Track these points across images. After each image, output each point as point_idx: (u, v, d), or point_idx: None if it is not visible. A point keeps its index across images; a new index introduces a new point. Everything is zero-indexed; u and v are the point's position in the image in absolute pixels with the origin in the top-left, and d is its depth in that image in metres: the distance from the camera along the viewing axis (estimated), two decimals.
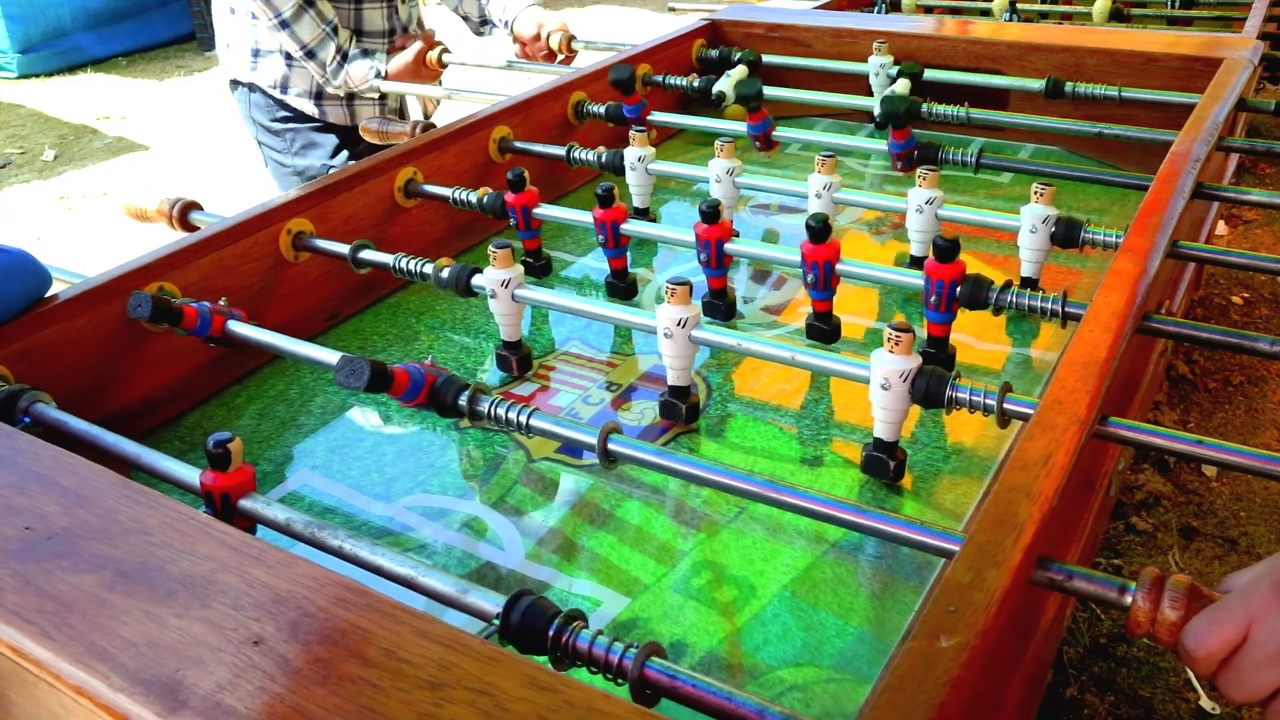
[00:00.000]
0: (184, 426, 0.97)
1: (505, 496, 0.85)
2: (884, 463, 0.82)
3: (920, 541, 0.63)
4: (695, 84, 1.62)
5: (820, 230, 0.95)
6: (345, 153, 1.84)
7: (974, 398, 0.76)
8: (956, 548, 0.59)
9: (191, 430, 0.96)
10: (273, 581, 0.54)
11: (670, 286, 0.85)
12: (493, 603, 0.59)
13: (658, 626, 0.71)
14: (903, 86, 1.50)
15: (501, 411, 0.79)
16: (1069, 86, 1.45)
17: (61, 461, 0.64)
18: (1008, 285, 0.92)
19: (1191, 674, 1.49)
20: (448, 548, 0.80)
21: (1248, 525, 1.77)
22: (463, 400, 0.80)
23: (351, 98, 1.80)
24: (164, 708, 0.46)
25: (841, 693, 0.65)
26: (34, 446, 0.66)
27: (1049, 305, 0.90)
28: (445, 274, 1.00)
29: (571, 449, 0.89)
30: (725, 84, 1.61)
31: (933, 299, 0.92)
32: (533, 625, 0.57)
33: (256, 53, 1.74)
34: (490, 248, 0.95)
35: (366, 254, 1.07)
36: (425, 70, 1.75)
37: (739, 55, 1.70)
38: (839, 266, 0.98)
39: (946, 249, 0.90)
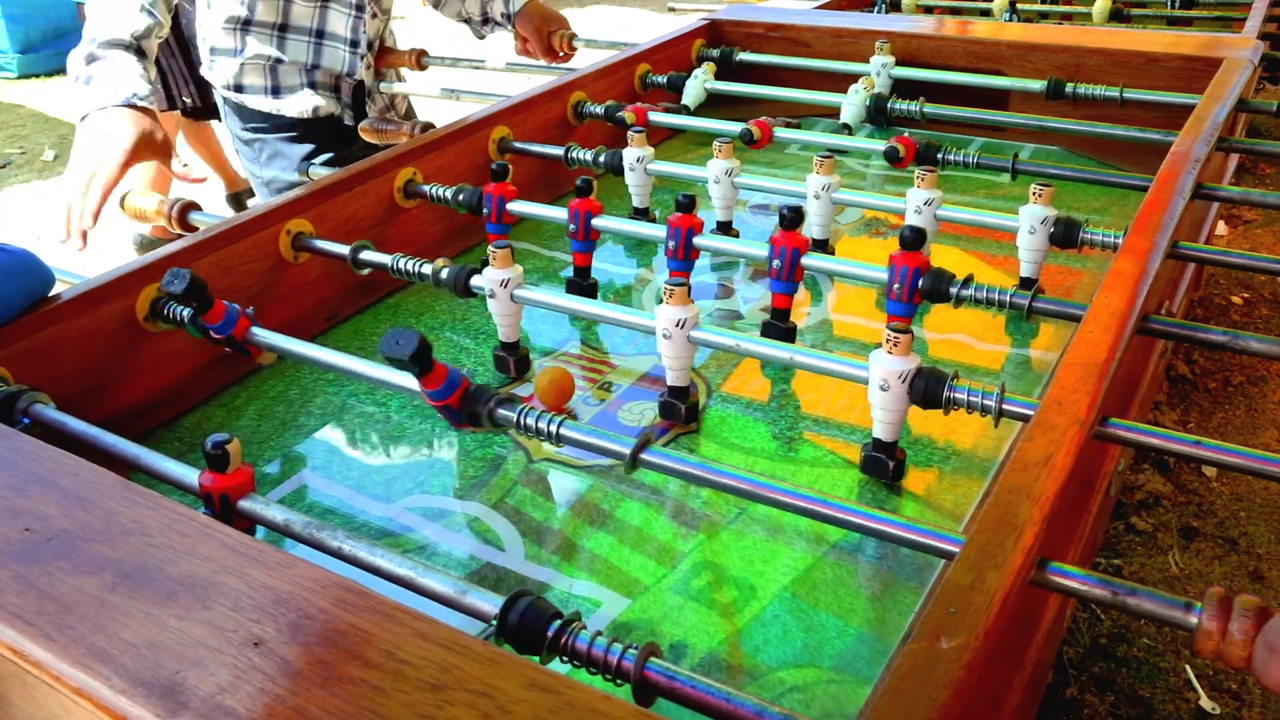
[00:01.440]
0: (183, 427, 0.97)
1: (505, 497, 0.85)
2: (883, 463, 0.82)
3: (920, 543, 0.63)
4: (664, 80, 1.64)
5: (793, 219, 0.96)
6: (319, 161, 1.71)
7: (971, 398, 0.76)
8: (957, 549, 0.59)
9: (191, 431, 0.96)
10: (273, 583, 0.54)
11: (668, 288, 0.85)
12: (491, 603, 0.59)
13: (658, 627, 0.71)
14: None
15: (531, 421, 0.76)
16: (1069, 87, 1.45)
17: (62, 463, 0.64)
18: (969, 279, 0.93)
19: (1191, 673, 1.49)
20: (448, 548, 0.80)
21: (1248, 525, 1.77)
22: (497, 410, 0.78)
23: (314, 85, 1.65)
24: (164, 709, 0.46)
25: (842, 694, 0.65)
26: (34, 448, 0.66)
27: (1006, 298, 0.92)
28: (444, 274, 0.99)
29: (571, 449, 0.89)
30: (690, 95, 1.61)
31: (895, 286, 0.93)
32: (531, 626, 0.57)
33: (213, 50, 1.65)
34: (490, 248, 0.95)
35: (366, 254, 1.07)
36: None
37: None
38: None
39: (912, 239, 0.91)
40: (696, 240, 1.05)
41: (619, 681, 0.55)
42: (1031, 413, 0.70)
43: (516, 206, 1.17)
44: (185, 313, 0.93)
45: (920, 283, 0.92)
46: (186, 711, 0.46)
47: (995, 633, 0.51)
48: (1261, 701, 1.44)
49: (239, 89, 1.65)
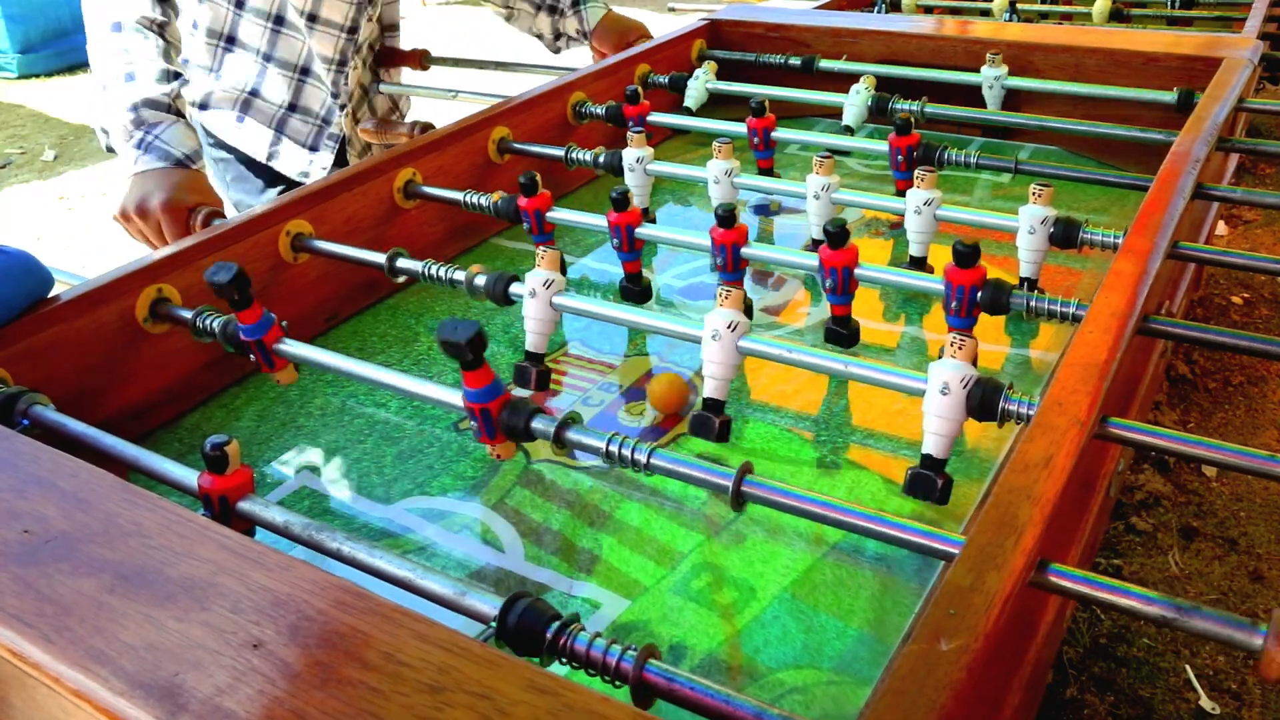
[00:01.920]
0: (183, 428, 0.97)
1: (505, 498, 0.85)
2: (931, 480, 0.78)
3: (920, 544, 0.63)
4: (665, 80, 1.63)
5: (838, 235, 0.94)
6: (273, 192, 1.62)
7: (1020, 409, 0.74)
8: (956, 550, 0.59)
9: (191, 432, 0.96)
10: (272, 584, 0.54)
11: (724, 290, 0.83)
12: (491, 605, 0.59)
13: (657, 629, 0.71)
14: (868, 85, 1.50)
15: (615, 448, 0.72)
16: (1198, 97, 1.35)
17: (61, 464, 0.64)
18: (1025, 289, 0.91)
19: (1191, 673, 1.49)
20: (447, 550, 0.80)
21: (1248, 525, 1.77)
22: (537, 424, 0.75)
23: (281, 129, 1.57)
24: (163, 711, 0.46)
25: (841, 695, 0.65)
26: (33, 449, 0.66)
27: (1072, 310, 0.89)
28: (478, 281, 0.98)
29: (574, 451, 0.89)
30: (692, 97, 1.60)
31: (953, 305, 0.91)
32: (530, 627, 0.57)
33: (185, 62, 1.54)
34: (540, 249, 0.93)
35: (403, 263, 1.05)
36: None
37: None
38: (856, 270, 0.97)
39: (967, 254, 0.89)
40: (745, 251, 1.02)
41: (618, 683, 0.55)
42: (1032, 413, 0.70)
43: (555, 215, 1.15)
44: (219, 323, 0.92)
45: (978, 298, 0.90)
46: (185, 713, 0.46)
47: (995, 634, 0.51)
48: (1261, 701, 1.44)
49: (204, 107, 1.57)
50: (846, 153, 1.55)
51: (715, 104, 1.64)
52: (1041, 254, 1.03)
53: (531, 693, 0.46)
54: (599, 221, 1.13)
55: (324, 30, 1.52)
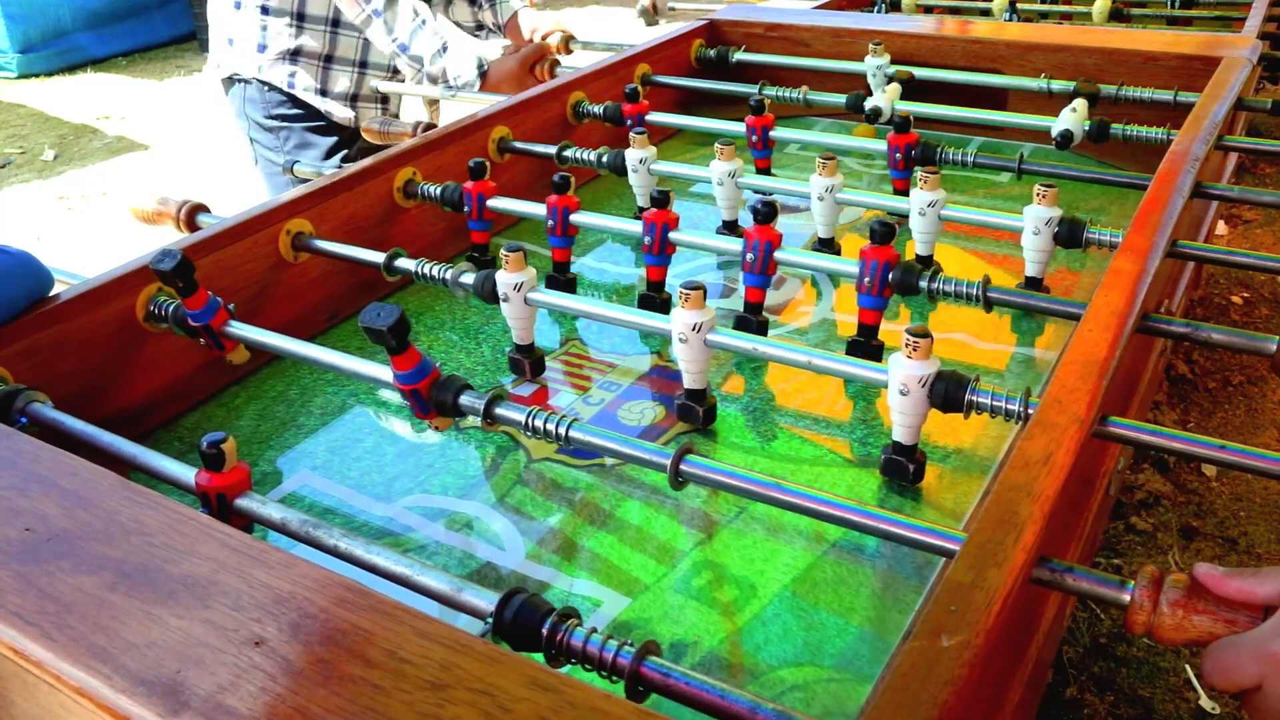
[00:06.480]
0: (183, 427, 0.97)
1: (505, 496, 0.85)
2: (903, 465, 0.82)
3: (921, 541, 0.63)
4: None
5: (884, 234, 0.93)
6: (340, 155, 1.85)
7: (995, 402, 0.75)
8: (957, 547, 0.59)
9: (191, 431, 0.96)
10: (274, 582, 0.54)
11: (684, 291, 0.85)
12: (488, 601, 0.59)
13: (658, 626, 0.71)
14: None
15: (538, 422, 0.77)
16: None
17: (62, 463, 0.64)
18: (936, 271, 0.94)
19: (1191, 673, 1.49)
20: (448, 548, 0.80)
21: (1248, 525, 1.77)
22: (465, 400, 0.79)
23: (356, 98, 1.83)
24: (165, 709, 0.46)
25: (842, 692, 0.65)
26: (34, 448, 0.66)
27: (973, 291, 0.93)
28: (464, 279, 0.99)
29: (574, 450, 0.89)
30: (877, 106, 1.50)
31: (866, 280, 0.93)
32: (526, 623, 0.57)
33: (263, 48, 1.74)
34: (502, 251, 0.94)
35: (401, 262, 1.05)
36: (531, 80, 1.72)
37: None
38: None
39: (882, 233, 0.92)
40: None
41: (614, 678, 0.55)
42: (1031, 411, 0.70)
43: (500, 204, 1.16)
44: (171, 308, 0.93)
45: (890, 278, 0.93)
46: (188, 710, 0.46)
47: (996, 631, 0.51)
48: None
49: (290, 84, 1.77)
50: (846, 152, 1.55)
51: (715, 103, 1.64)
52: (1047, 254, 1.03)
53: (533, 690, 0.46)
54: (599, 221, 1.13)
55: None
